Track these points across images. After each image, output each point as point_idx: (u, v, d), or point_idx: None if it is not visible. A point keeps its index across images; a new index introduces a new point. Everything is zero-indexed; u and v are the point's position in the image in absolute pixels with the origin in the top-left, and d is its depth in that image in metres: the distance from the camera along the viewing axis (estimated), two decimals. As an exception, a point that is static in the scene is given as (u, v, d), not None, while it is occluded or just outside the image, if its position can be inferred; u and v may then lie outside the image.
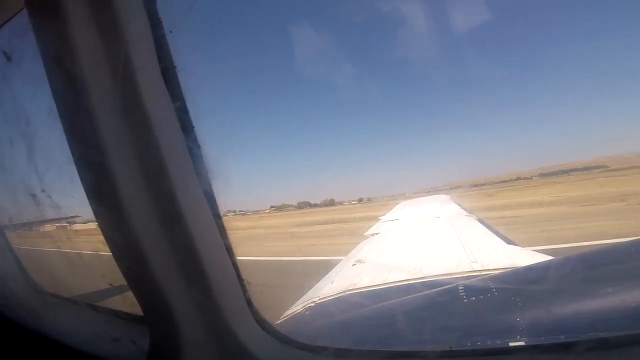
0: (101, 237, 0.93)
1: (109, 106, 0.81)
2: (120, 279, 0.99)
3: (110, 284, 1.32)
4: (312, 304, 2.00)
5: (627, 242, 1.54)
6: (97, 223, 0.92)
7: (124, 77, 0.80)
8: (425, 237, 3.94)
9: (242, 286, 1.02)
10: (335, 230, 12.87)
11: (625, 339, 0.81)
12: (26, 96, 1.29)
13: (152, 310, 1.00)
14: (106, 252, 0.95)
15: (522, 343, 0.96)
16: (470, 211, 5.41)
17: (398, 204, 8.38)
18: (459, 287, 1.42)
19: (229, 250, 0.99)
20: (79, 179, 0.89)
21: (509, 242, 3.02)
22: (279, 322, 1.80)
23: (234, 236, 1.02)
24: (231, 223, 1.02)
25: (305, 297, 2.24)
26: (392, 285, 2.08)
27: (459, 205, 6.19)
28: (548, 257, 2.08)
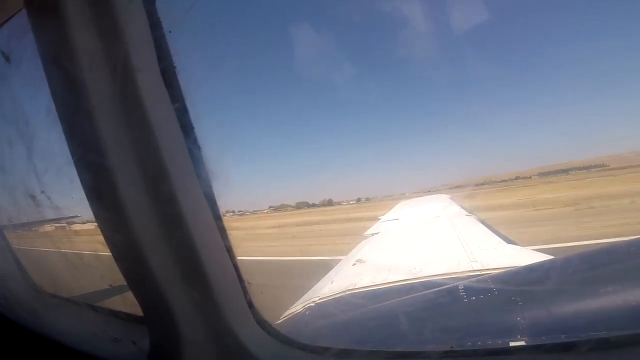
0: (101, 238, 0.93)
1: (108, 107, 0.81)
2: (120, 280, 0.99)
3: (110, 285, 1.32)
4: (312, 304, 2.00)
5: (627, 241, 1.54)
6: (96, 224, 0.92)
7: (123, 78, 0.80)
8: (425, 237, 3.94)
9: (243, 287, 1.02)
10: (335, 230, 12.87)
11: (625, 339, 0.81)
12: (25, 97, 1.29)
13: (152, 310, 1.00)
14: (106, 252, 0.95)
15: (522, 343, 0.96)
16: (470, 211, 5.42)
17: (397, 203, 8.38)
18: (460, 287, 1.42)
19: (229, 251, 0.99)
20: (78, 180, 0.88)
21: (509, 241, 3.01)
22: (279, 322, 1.80)
23: (232, 236, 1.02)
24: (230, 223, 1.02)
25: (305, 297, 2.24)
26: (392, 285, 2.08)
27: (459, 205, 6.19)
28: (548, 257, 2.08)
